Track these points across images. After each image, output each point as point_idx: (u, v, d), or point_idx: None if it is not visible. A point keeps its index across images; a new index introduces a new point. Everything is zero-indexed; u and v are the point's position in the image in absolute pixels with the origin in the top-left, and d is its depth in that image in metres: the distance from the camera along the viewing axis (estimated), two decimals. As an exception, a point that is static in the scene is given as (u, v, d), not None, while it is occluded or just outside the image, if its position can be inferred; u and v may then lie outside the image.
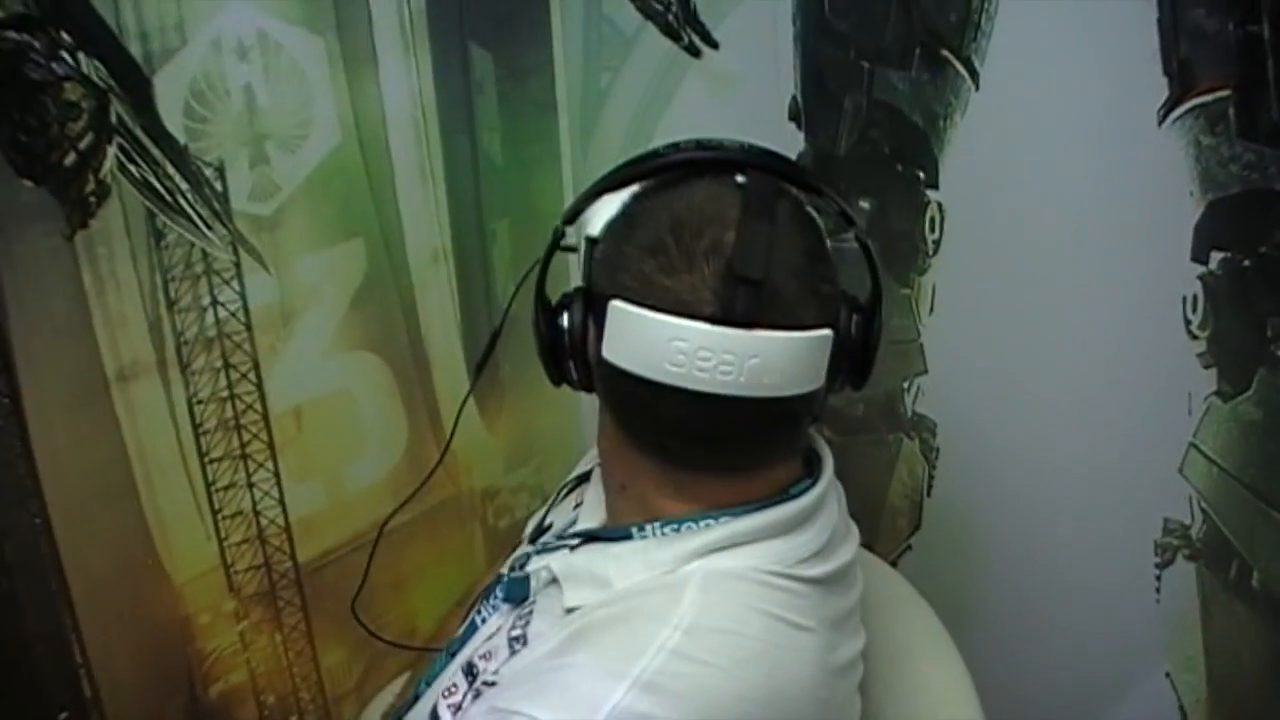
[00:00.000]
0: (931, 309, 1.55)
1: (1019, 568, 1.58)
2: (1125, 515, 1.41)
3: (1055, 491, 1.49)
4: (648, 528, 1.08)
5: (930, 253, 1.51)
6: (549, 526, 1.28)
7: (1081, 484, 1.45)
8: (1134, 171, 1.27)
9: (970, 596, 1.64)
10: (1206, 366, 1.28)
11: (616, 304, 0.99)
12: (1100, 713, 1.53)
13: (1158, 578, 1.40)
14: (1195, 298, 1.26)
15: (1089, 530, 1.47)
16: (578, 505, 1.26)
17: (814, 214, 1.07)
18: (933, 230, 1.50)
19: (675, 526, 1.06)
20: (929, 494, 1.67)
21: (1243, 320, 1.23)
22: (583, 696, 0.96)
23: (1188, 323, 1.27)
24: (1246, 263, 1.21)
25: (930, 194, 1.48)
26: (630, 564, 1.07)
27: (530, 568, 1.18)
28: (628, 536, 1.09)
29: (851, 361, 1.09)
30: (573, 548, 1.15)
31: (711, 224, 0.98)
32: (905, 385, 1.62)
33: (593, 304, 1.04)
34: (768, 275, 0.96)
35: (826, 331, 1.01)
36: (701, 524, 1.06)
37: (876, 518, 1.74)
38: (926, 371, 1.59)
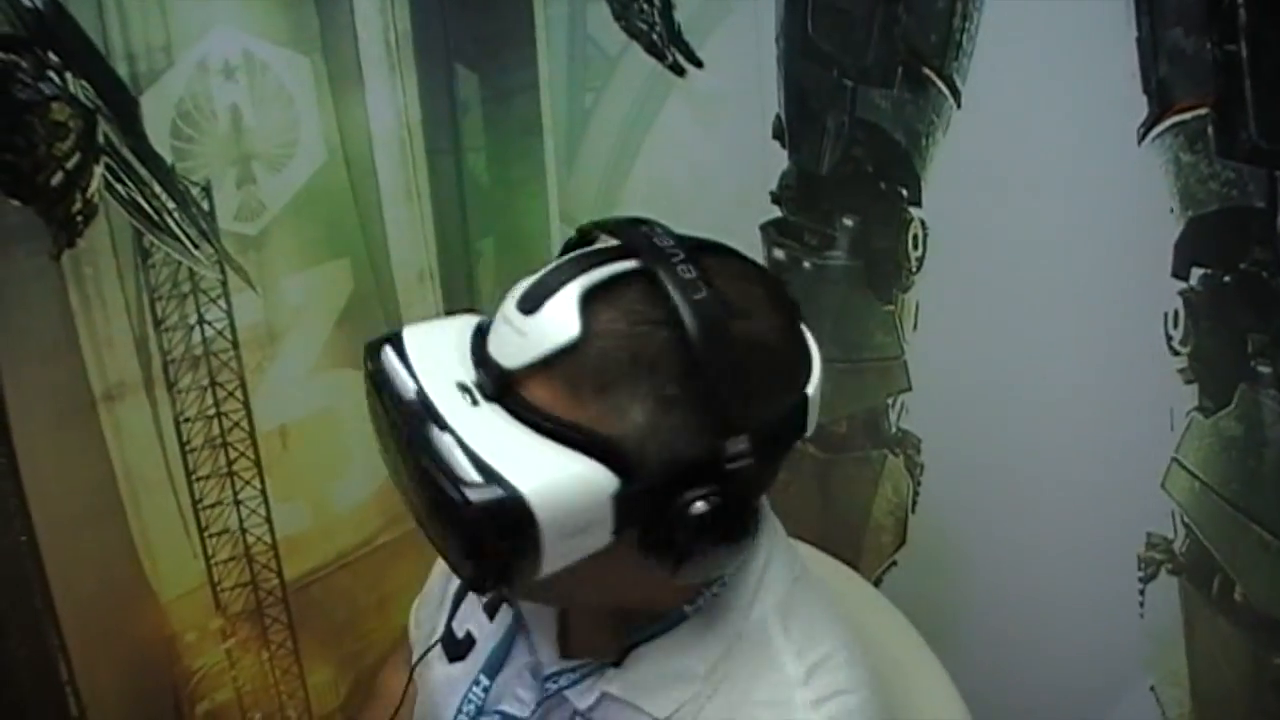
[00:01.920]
0: (915, 326, 1.55)
1: (1004, 583, 1.58)
2: (1109, 530, 1.42)
3: (1039, 506, 1.49)
4: (699, 599, 1.00)
5: (913, 270, 1.52)
6: (466, 638, 1.15)
7: (1065, 499, 1.46)
8: (1115, 188, 1.28)
9: (955, 612, 1.64)
10: (1188, 382, 1.28)
11: None
12: (1084, 730, 1.54)
13: (1141, 592, 1.41)
14: (1176, 314, 1.26)
15: (1073, 545, 1.47)
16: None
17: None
18: (916, 247, 1.50)
19: (723, 581, 1.00)
20: (914, 510, 1.67)
21: (1223, 336, 1.24)
22: None
23: (1169, 338, 1.28)
24: (1227, 279, 1.22)
25: (913, 211, 1.49)
26: (704, 640, 1.00)
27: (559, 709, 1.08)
28: (683, 618, 1.01)
29: None
30: (616, 664, 1.03)
31: None
32: (889, 402, 1.62)
33: None
34: None
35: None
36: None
37: (861, 534, 1.74)
38: (910, 388, 1.59)
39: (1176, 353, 1.28)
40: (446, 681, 1.14)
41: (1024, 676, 1.58)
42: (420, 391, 0.85)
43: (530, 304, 0.85)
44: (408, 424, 0.85)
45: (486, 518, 0.81)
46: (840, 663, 0.99)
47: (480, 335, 0.90)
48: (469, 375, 0.87)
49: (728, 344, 0.84)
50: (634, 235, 0.88)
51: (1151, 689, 1.43)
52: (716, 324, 0.84)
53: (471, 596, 1.15)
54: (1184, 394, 1.29)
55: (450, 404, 0.85)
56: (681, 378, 0.84)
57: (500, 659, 1.11)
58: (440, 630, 1.16)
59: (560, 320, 0.84)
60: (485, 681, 1.11)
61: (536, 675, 1.08)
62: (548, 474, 0.82)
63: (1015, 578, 1.56)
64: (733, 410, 0.85)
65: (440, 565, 1.24)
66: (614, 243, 0.90)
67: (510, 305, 0.86)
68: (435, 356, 0.88)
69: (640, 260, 0.86)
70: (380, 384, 0.88)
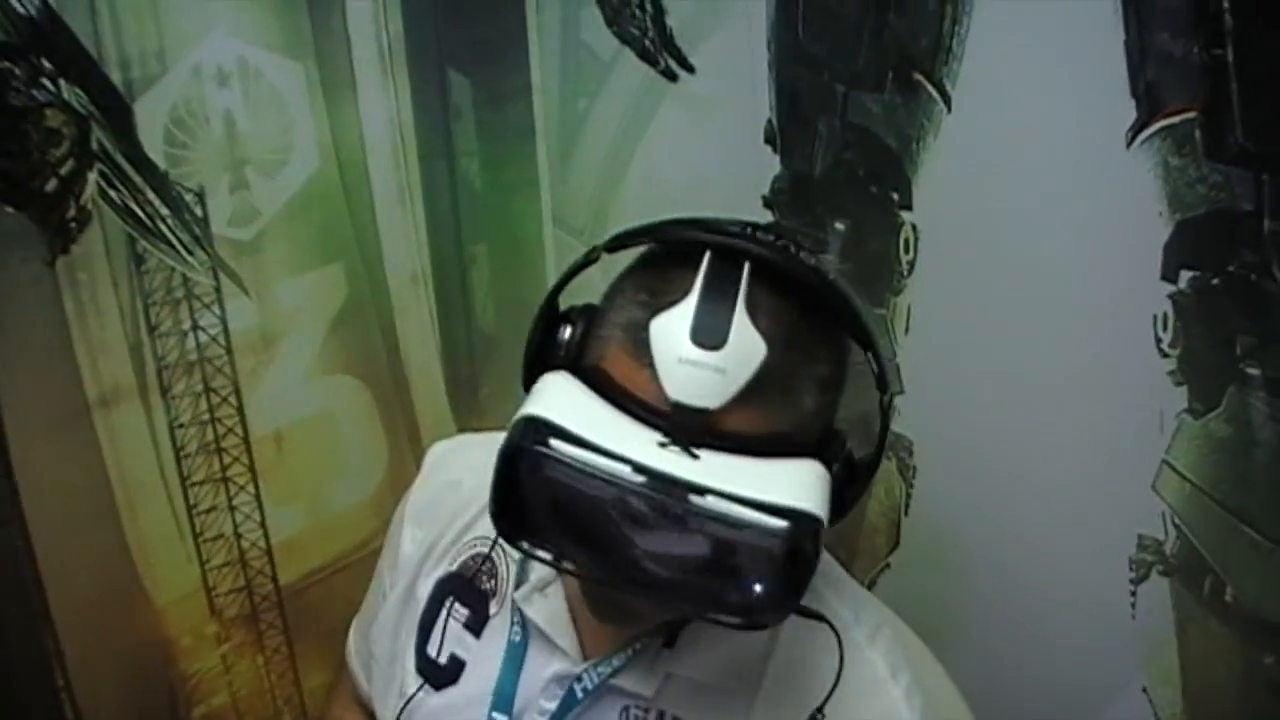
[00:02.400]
0: (907, 329, 1.55)
1: (996, 585, 1.58)
2: (1100, 532, 1.42)
3: (1031, 509, 1.49)
4: None
5: (905, 273, 1.52)
6: (452, 662, 1.14)
7: (1057, 501, 1.46)
8: (1104, 192, 1.28)
9: (948, 614, 1.64)
10: (1178, 384, 1.29)
11: None
12: (1078, 728, 1.54)
13: (1133, 593, 1.41)
14: (1166, 316, 1.27)
15: (1065, 546, 1.47)
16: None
17: None
18: (907, 251, 1.51)
19: None
20: (906, 513, 1.67)
21: (1212, 338, 1.24)
22: None
23: (1158, 341, 1.28)
24: (1215, 281, 1.22)
25: (904, 215, 1.49)
26: None
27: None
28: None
29: None
30: (668, 645, 1.06)
31: None
32: (881, 405, 1.63)
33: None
34: None
35: None
36: None
37: (855, 537, 1.74)
38: (903, 391, 1.60)
39: (1166, 355, 1.28)
40: (447, 711, 1.12)
41: (1017, 678, 1.59)
42: (648, 469, 0.83)
43: (714, 338, 0.84)
44: (663, 506, 0.83)
45: (802, 552, 0.83)
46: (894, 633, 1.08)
47: (605, 392, 0.88)
48: (642, 435, 0.85)
49: (849, 304, 0.91)
50: (705, 232, 0.89)
51: (1144, 690, 1.43)
52: (835, 289, 0.90)
53: (446, 618, 1.14)
54: (1174, 396, 1.29)
55: (681, 467, 0.83)
56: (831, 358, 0.91)
57: (511, 685, 1.10)
58: (407, 658, 1.15)
59: (749, 345, 0.85)
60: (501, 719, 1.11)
61: (562, 681, 1.07)
62: (808, 488, 0.84)
63: (1008, 580, 1.56)
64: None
65: (382, 588, 1.22)
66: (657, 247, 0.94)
67: (686, 347, 0.84)
68: (604, 430, 0.85)
69: (742, 254, 0.87)
70: (583, 476, 0.84)
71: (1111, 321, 1.31)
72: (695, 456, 0.83)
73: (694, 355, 0.83)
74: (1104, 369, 1.34)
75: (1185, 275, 1.24)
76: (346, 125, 1.72)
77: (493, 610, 1.11)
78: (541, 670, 1.08)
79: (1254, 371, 1.21)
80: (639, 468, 0.82)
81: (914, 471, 1.63)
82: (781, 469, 0.85)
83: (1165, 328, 1.27)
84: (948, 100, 1.41)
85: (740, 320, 0.84)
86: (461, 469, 1.20)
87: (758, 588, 0.86)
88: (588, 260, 0.95)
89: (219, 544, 1.75)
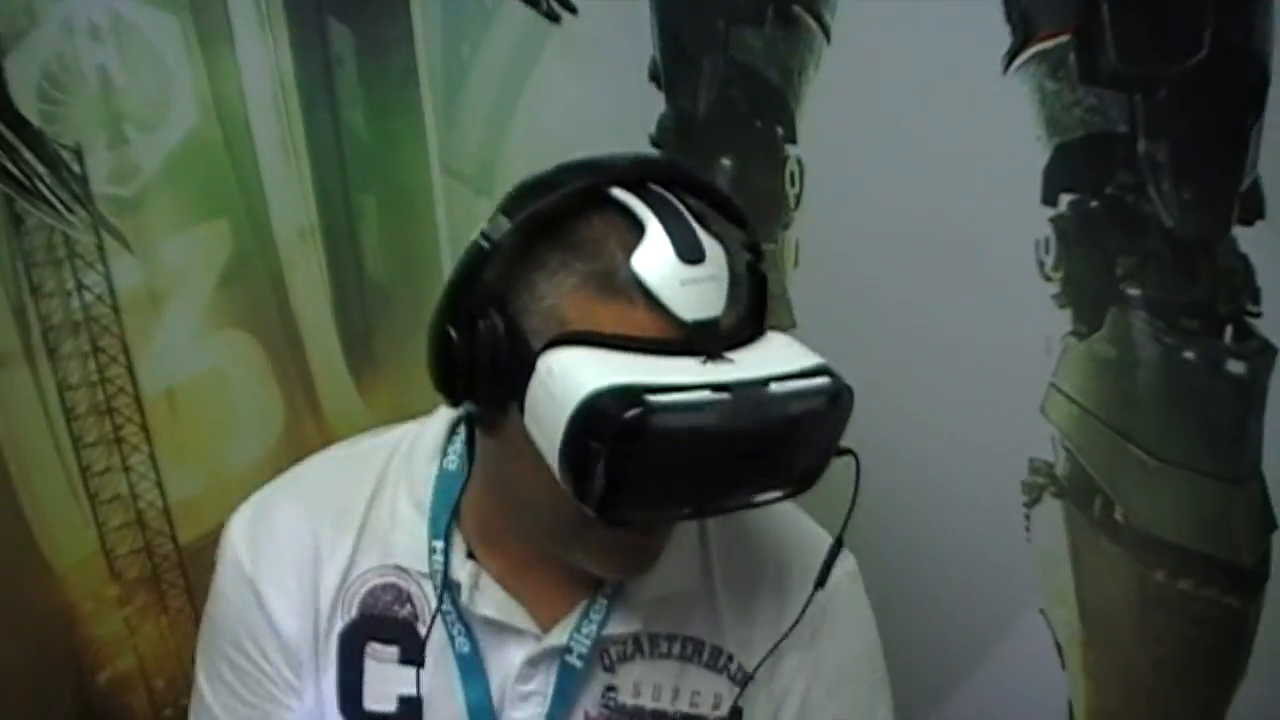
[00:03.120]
0: (796, 262, 1.57)
1: (896, 516, 1.60)
2: (993, 457, 1.45)
3: (924, 437, 1.52)
4: None
5: (792, 207, 1.54)
6: (405, 705, 1.11)
7: (949, 429, 1.48)
8: (983, 118, 1.30)
9: (850, 546, 1.67)
10: (1061, 307, 1.31)
11: None
12: (979, 655, 1.57)
13: (1027, 516, 1.44)
14: (1047, 240, 1.29)
15: (959, 472, 1.50)
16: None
17: None
18: (793, 185, 1.52)
19: None
20: (803, 445, 1.69)
21: (1093, 260, 1.27)
22: None
23: (1041, 264, 1.31)
24: (1094, 204, 1.25)
25: (789, 149, 1.50)
26: None
27: None
28: None
29: None
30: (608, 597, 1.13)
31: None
32: (775, 338, 1.64)
33: None
34: None
35: None
36: None
37: (755, 471, 1.76)
38: (795, 324, 1.62)
39: (1049, 278, 1.31)
40: None
41: (918, 606, 1.61)
42: (724, 385, 0.87)
43: (695, 253, 0.90)
44: (755, 409, 0.89)
45: (844, 395, 0.94)
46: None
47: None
48: (682, 363, 0.89)
49: (732, 198, 1.01)
50: (608, 170, 0.96)
51: (1041, 611, 1.47)
52: (721, 189, 1.01)
53: (371, 666, 1.11)
54: (1058, 319, 1.32)
55: (738, 371, 0.90)
56: (748, 247, 0.99)
57: (483, 695, 1.10)
58: (326, 708, 1.12)
59: (714, 250, 0.92)
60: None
61: (539, 662, 1.10)
62: (799, 349, 0.96)
63: (906, 510, 1.59)
64: None
65: (267, 682, 1.13)
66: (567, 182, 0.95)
67: (681, 269, 0.89)
68: (661, 372, 0.88)
69: (665, 174, 0.97)
70: (687, 414, 0.86)
71: (995, 247, 1.34)
72: (732, 361, 0.90)
73: (690, 273, 0.89)
74: (989, 294, 1.37)
75: (1065, 199, 1.27)
76: (225, 78, 1.69)
77: (423, 633, 1.09)
78: (504, 664, 1.10)
79: (1134, 292, 1.24)
80: (717, 386, 0.87)
81: (808, 404, 1.64)
82: (774, 346, 0.95)
83: (1047, 251, 1.30)
84: (827, 32, 1.42)
85: (699, 231, 0.91)
86: (291, 527, 1.13)
87: (822, 445, 0.97)
88: (482, 255, 0.93)
89: (115, 505, 1.73)
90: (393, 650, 1.10)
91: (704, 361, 0.89)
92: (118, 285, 1.65)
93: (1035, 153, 1.26)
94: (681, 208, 0.92)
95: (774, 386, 0.89)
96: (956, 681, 1.61)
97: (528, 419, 0.90)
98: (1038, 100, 1.24)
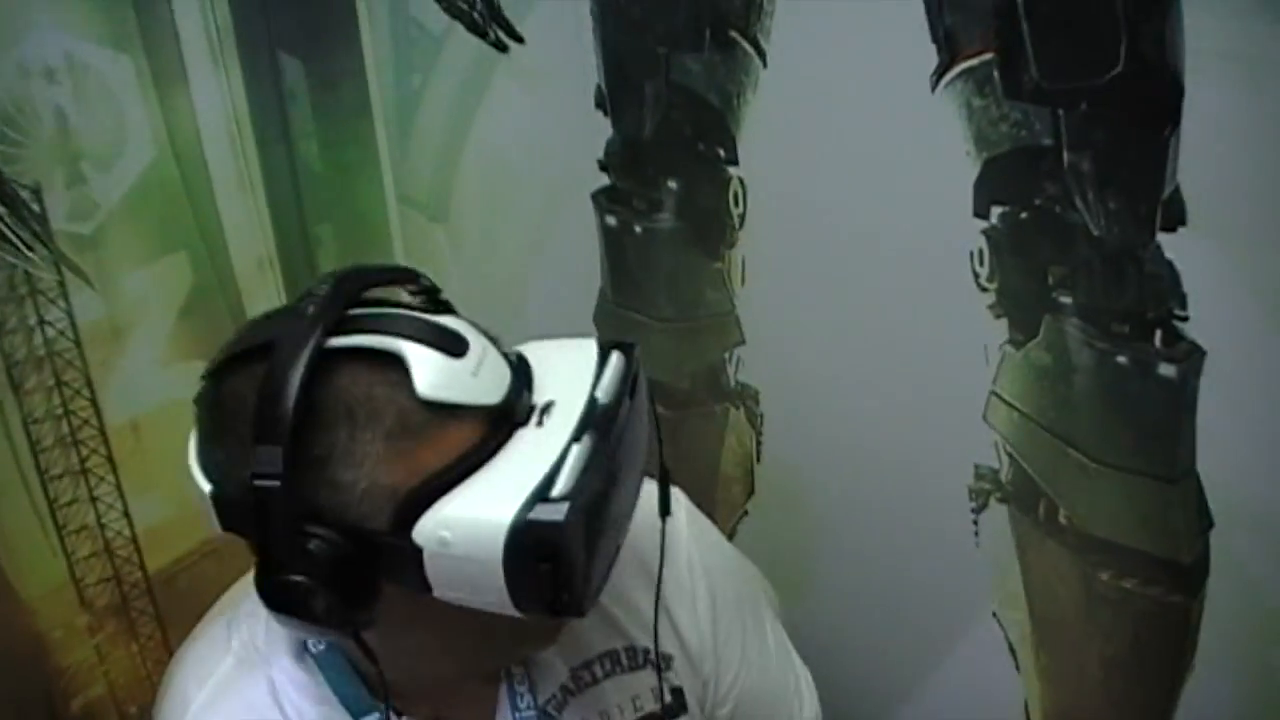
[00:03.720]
0: (743, 280, 1.58)
1: (848, 525, 1.62)
2: (939, 465, 1.46)
3: (873, 447, 1.53)
4: None
5: (737, 226, 1.55)
6: None
7: (896, 438, 1.50)
8: (914, 135, 1.32)
9: (806, 557, 1.68)
10: (998, 316, 1.33)
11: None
12: (935, 660, 1.59)
13: (975, 522, 1.46)
14: (981, 251, 1.31)
15: (908, 483, 1.51)
16: None
17: None
18: (737, 205, 1.53)
19: None
20: (759, 459, 1.70)
21: (1025, 270, 1.29)
22: None
23: (976, 276, 1.33)
24: (1024, 215, 1.27)
25: (731, 170, 1.52)
26: None
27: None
28: None
29: None
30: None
31: None
32: (725, 356, 1.65)
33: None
34: None
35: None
36: None
37: (712, 488, 1.77)
38: (744, 341, 1.63)
39: (984, 289, 1.33)
40: None
41: (873, 613, 1.63)
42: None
43: (457, 344, 0.85)
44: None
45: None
46: None
47: None
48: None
49: None
50: (302, 325, 0.83)
51: (994, 615, 1.49)
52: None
53: None
54: (995, 328, 1.34)
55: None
56: None
57: None
58: None
59: (460, 322, 0.89)
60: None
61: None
62: None
63: (857, 518, 1.61)
64: None
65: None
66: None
67: (454, 369, 0.83)
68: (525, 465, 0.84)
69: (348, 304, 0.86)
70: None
71: (931, 260, 1.36)
72: (551, 402, 0.87)
73: (467, 363, 0.84)
74: (929, 307, 1.39)
75: (996, 210, 1.29)
76: (180, 115, 1.72)
77: None
78: None
79: (1066, 300, 1.27)
80: (594, 442, 0.83)
81: (762, 419, 1.67)
82: (538, 358, 0.91)
83: (982, 263, 1.32)
84: (763, 56, 1.44)
85: (438, 320, 0.87)
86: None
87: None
88: (270, 494, 0.80)
89: (83, 535, 1.75)
90: None
91: (538, 424, 0.85)
92: (80, 320, 1.67)
93: (966, 167, 1.28)
94: (405, 311, 0.87)
95: (604, 397, 0.87)
96: (914, 684, 1.63)
97: (441, 591, 0.81)
98: (965, 116, 1.26)
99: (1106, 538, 1.33)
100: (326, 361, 0.81)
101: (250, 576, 0.90)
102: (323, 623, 0.83)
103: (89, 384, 1.69)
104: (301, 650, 1.01)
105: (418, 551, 0.79)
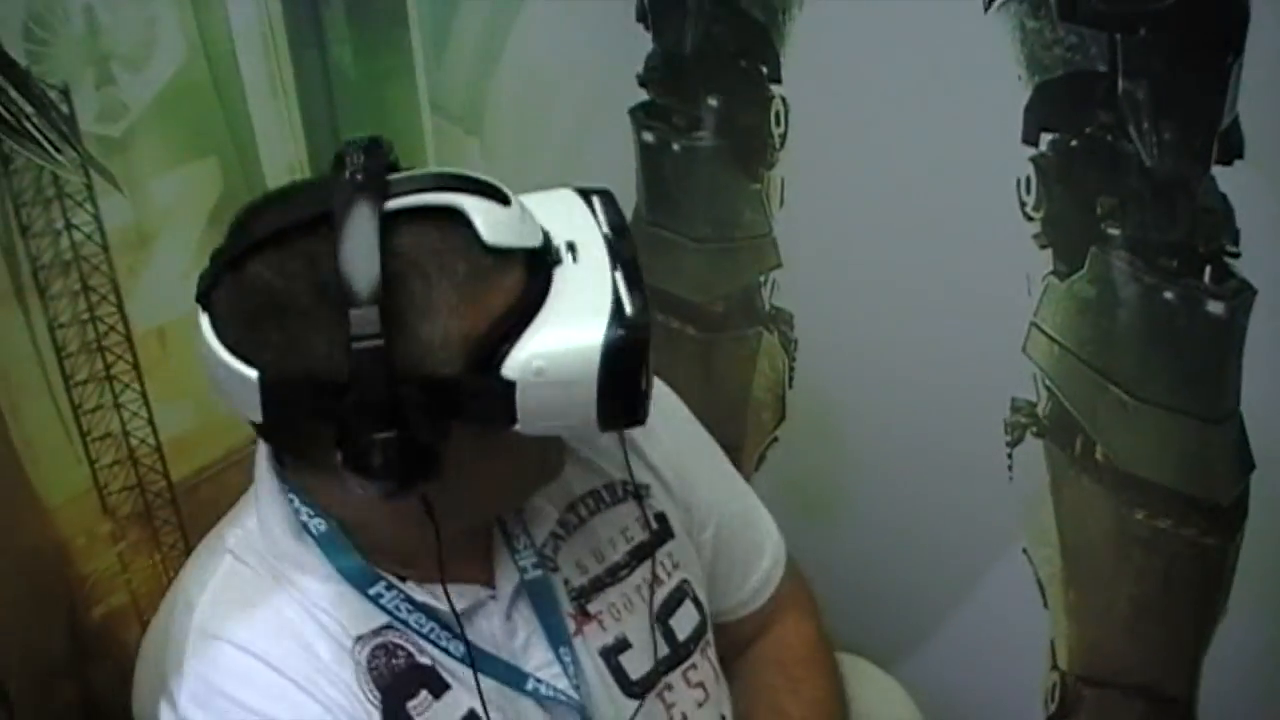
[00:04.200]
0: (782, 202, 1.57)
1: (879, 453, 1.62)
2: (976, 396, 1.46)
3: (909, 376, 1.53)
4: None
5: (778, 146, 1.53)
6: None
7: (933, 368, 1.49)
8: (964, 56, 1.30)
9: (835, 484, 1.68)
10: (1043, 247, 1.32)
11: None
12: (962, 594, 1.59)
13: (1009, 456, 1.46)
14: (1029, 179, 1.30)
15: (942, 412, 1.51)
16: None
17: None
18: (778, 124, 1.52)
19: None
20: (790, 385, 1.70)
21: (1073, 200, 1.28)
22: None
23: (1022, 204, 1.32)
24: (1074, 143, 1.25)
25: (774, 88, 1.50)
26: None
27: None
28: None
29: None
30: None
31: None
32: (761, 279, 1.65)
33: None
34: None
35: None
36: None
37: (743, 413, 1.77)
38: (780, 265, 1.62)
39: (1030, 218, 1.32)
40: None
41: (903, 544, 1.64)
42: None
43: (503, 194, 0.92)
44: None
45: None
46: None
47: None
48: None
49: None
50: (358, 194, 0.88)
51: (1024, 550, 1.49)
52: None
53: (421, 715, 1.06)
54: (1039, 259, 1.33)
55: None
56: None
57: (515, 674, 1.10)
58: None
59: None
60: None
61: (516, 605, 1.11)
62: None
63: (889, 448, 1.61)
64: None
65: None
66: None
67: (509, 215, 0.91)
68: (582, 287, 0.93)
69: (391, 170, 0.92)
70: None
71: (977, 186, 1.35)
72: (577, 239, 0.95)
73: (518, 209, 0.92)
74: (973, 234, 1.38)
75: (1046, 138, 1.27)
76: (213, 16, 1.69)
77: (427, 663, 1.07)
78: (492, 638, 1.10)
79: (1114, 232, 1.25)
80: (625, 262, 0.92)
81: (795, 345, 1.66)
82: (538, 201, 0.98)
83: (1029, 191, 1.30)
84: (811, -31, 1.41)
85: (479, 176, 0.93)
86: (259, 669, 1.02)
87: None
88: (377, 354, 0.85)
89: (107, 443, 1.74)
90: (424, 696, 1.06)
91: (574, 261, 0.92)
92: (107, 224, 1.65)
93: (1016, 91, 1.27)
94: (440, 170, 0.92)
95: (612, 232, 0.95)
96: (940, 617, 1.63)
97: (528, 422, 0.87)
98: (1019, 38, 1.24)
99: (1143, 476, 1.33)
100: (388, 222, 0.85)
101: (239, 504, 1.13)
102: (405, 478, 0.89)
103: (116, 290, 1.68)
104: (301, 533, 1.05)
105: (509, 387, 0.86)
